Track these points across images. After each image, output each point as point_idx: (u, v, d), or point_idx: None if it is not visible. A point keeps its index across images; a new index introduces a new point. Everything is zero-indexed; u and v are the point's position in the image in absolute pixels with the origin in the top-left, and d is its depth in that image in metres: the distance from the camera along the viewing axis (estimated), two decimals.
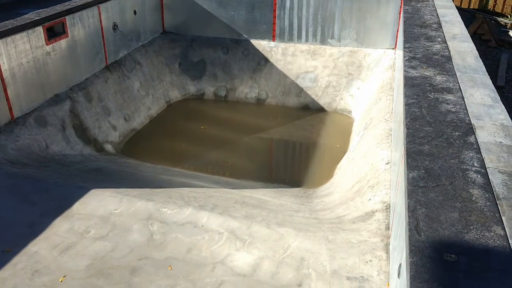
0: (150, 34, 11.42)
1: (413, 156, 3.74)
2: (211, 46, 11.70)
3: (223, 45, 11.66)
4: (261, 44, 11.50)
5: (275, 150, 10.12)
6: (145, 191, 5.98)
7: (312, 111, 11.12)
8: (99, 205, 5.49)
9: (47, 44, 8.00)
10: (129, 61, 10.44)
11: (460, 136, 4.09)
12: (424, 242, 2.82)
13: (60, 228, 5.08)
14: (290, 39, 11.37)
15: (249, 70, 11.53)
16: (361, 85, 10.85)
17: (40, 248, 4.80)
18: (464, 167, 3.61)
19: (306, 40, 11.30)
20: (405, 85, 5.17)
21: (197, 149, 9.42)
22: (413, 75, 5.46)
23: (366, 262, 4.60)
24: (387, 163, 6.39)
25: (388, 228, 5.04)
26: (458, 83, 5.27)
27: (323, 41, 11.22)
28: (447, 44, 6.61)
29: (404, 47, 6.46)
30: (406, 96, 4.88)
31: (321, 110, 11.12)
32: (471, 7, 16.39)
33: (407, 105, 4.68)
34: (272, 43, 11.46)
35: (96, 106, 9.10)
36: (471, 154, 3.79)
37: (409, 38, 6.85)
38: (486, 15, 15.48)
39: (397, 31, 10.71)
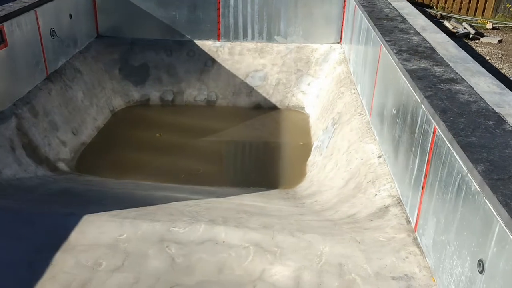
0: (86, 39, 10.55)
1: (469, 149, 3.71)
2: (153, 48, 11.08)
3: (166, 47, 11.10)
4: (206, 44, 11.10)
5: (239, 153, 9.84)
6: (141, 211, 5.45)
7: (265, 109, 10.97)
8: (99, 232, 4.89)
9: None
10: (69, 69, 9.56)
11: (496, 125, 4.14)
12: None
13: (65, 264, 4.44)
14: (236, 38, 11.11)
15: (195, 72, 11.09)
16: (311, 81, 10.89)
17: None
18: None
19: (253, 38, 11.10)
20: (412, 78, 5.17)
21: (156, 159, 8.83)
22: (412, 67, 5.49)
23: (403, 260, 4.53)
24: (379, 157, 6.40)
25: (410, 222, 5.02)
26: (457, 73, 5.38)
27: (269, 39, 11.10)
28: (422, 36, 6.76)
29: (385, 40, 6.50)
30: (420, 89, 4.87)
31: (273, 108, 11.01)
32: None
33: (427, 97, 4.67)
34: (218, 43, 11.11)
35: (43, 121, 8.20)
36: None
37: (384, 31, 6.92)
38: (418, 7, 16.20)
39: (342, 25, 10.88)
